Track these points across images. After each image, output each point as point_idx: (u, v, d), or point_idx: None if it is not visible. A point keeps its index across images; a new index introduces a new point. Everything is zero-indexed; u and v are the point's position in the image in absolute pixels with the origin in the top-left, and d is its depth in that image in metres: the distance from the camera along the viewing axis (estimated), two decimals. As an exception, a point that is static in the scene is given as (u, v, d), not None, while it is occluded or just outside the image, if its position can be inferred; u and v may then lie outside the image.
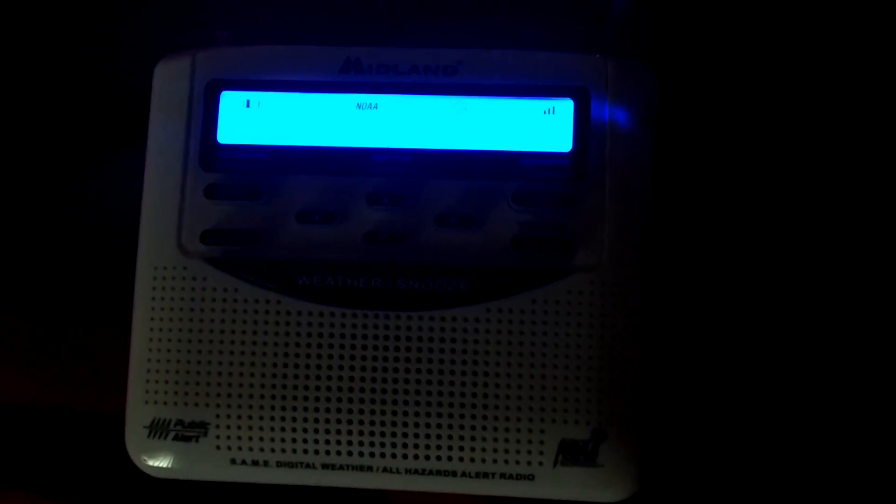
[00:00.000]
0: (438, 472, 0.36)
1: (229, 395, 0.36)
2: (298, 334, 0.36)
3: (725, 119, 0.42)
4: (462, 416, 0.36)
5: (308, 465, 0.36)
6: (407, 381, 0.36)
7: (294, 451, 0.36)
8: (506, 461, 0.36)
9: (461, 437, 0.36)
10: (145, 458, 0.37)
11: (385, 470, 0.36)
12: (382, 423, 0.36)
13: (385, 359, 0.36)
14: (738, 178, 0.41)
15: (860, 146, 0.42)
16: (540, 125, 0.37)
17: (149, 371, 0.37)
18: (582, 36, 0.40)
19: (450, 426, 0.36)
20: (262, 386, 0.36)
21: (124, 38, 0.43)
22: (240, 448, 0.36)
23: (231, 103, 0.38)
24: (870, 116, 0.42)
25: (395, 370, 0.36)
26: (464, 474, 0.36)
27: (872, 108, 0.42)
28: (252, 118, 0.38)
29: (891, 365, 0.40)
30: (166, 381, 0.36)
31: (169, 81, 0.38)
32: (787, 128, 0.42)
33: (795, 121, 0.42)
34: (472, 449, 0.36)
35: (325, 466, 0.36)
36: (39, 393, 0.42)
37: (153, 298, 0.37)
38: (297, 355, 0.36)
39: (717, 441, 0.40)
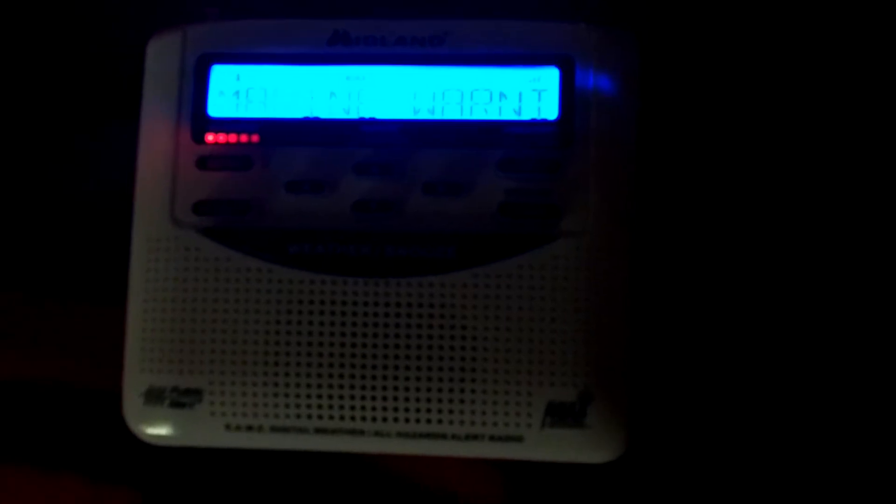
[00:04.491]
0: (429, 436, 0.36)
1: (223, 362, 0.37)
2: (290, 301, 0.37)
3: (709, 87, 0.42)
4: (451, 380, 0.36)
5: (301, 430, 0.37)
6: (397, 346, 0.36)
7: (287, 415, 0.37)
8: (494, 423, 0.36)
9: (450, 401, 0.36)
10: (143, 425, 0.38)
11: (377, 434, 0.37)
12: (373, 388, 0.36)
13: (375, 324, 0.37)
14: (722, 145, 0.42)
15: (851, 119, 0.42)
16: (526, 94, 0.38)
17: (144, 340, 0.37)
18: (567, 5, 0.41)
19: (439, 390, 0.36)
20: (255, 352, 0.37)
21: (118, 16, 0.44)
22: (234, 414, 0.37)
23: (221, 77, 0.39)
24: (860, 89, 0.42)
25: (385, 335, 0.37)
26: (454, 437, 0.36)
27: (862, 80, 0.42)
28: (242, 91, 0.39)
29: (881, 337, 0.41)
30: (161, 350, 0.37)
31: (161, 57, 0.39)
32: (773, 97, 0.42)
33: (782, 90, 0.42)
34: (462, 412, 0.36)
35: (317, 431, 0.37)
36: (37, 369, 0.43)
37: (148, 269, 0.38)
38: (288, 322, 0.37)
39: (705, 402, 0.41)
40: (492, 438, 0.36)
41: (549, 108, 0.38)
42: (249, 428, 0.37)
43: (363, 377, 0.36)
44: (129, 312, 0.38)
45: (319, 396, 0.36)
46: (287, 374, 0.37)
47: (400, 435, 0.37)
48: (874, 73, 0.42)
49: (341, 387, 0.36)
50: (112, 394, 0.39)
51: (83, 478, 0.42)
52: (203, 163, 0.38)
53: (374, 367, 0.36)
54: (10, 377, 0.43)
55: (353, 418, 0.37)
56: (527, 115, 0.38)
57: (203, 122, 0.38)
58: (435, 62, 0.38)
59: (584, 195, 0.37)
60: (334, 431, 0.37)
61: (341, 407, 0.36)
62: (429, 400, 0.36)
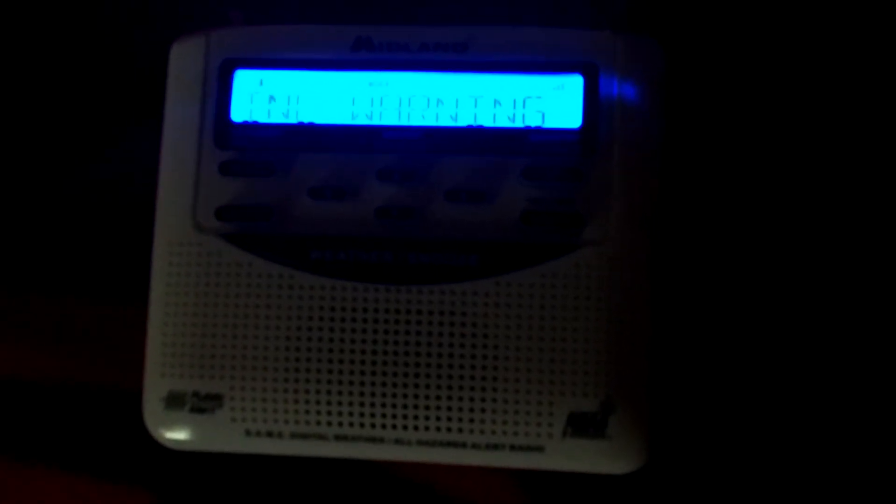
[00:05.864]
0: (449, 444, 0.36)
1: (244, 368, 0.37)
2: (311, 308, 0.37)
3: (735, 95, 0.42)
4: (472, 389, 0.36)
5: (321, 437, 0.37)
6: (418, 353, 0.36)
7: (307, 422, 0.37)
8: (515, 433, 0.36)
9: (471, 409, 0.36)
10: (163, 430, 0.38)
11: (397, 441, 0.37)
12: (394, 395, 0.36)
13: (396, 332, 0.36)
14: (747, 153, 0.42)
15: (875, 123, 0.41)
16: (549, 101, 0.38)
17: (165, 345, 0.37)
18: (591, 12, 0.40)
19: (460, 398, 0.36)
20: (276, 358, 0.37)
21: (143, 20, 0.44)
22: (254, 419, 0.37)
23: (244, 82, 0.39)
24: (882, 89, 0.42)
25: (406, 343, 0.36)
26: (474, 446, 0.36)
27: (886, 80, 0.42)
28: (265, 96, 0.39)
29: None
30: (182, 354, 0.37)
31: (184, 61, 0.39)
32: (798, 106, 0.42)
33: (807, 98, 0.42)
34: (483, 421, 0.36)
35: (337, 438, 0.37)
36: (58, 369, 0.43)
37: (170, 274, 0.38)
38: (309, 328, 0.37)
39: (727, 413, 0.40)
40: (512, 448, 0.36)
41: (572, 116, 0.38)
42: (269, 434, 0.37)
43: (384, 384, 0.36)
44: (151, 317, 0.38)
45: (340, 403, 0.36)
46: (308, 381, 0.36)
47: (420, 443, 0.36)
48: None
49: (362, 394, 0.36)
50: (126, 393, 0.39)
51: (96, 477, 0.42)
52: (226, 168, 0.38)
53: (394, 374, 0.36)
54: (25, 377, 0.43)
55: (372, 426, 0.36)
56: (550, 123, 0.38)
57: (226, 127, 0.38)
58: (458, 69, 0.38)
59: (608, 204, 0.37)
60: (354, 438, 0.37)
61: (361, 414, 0.36)
62: (449, 408, 0.36)
